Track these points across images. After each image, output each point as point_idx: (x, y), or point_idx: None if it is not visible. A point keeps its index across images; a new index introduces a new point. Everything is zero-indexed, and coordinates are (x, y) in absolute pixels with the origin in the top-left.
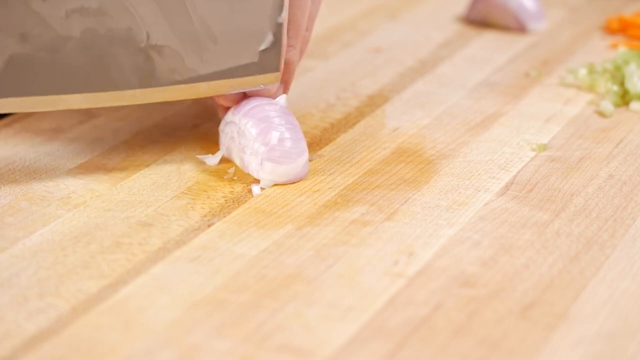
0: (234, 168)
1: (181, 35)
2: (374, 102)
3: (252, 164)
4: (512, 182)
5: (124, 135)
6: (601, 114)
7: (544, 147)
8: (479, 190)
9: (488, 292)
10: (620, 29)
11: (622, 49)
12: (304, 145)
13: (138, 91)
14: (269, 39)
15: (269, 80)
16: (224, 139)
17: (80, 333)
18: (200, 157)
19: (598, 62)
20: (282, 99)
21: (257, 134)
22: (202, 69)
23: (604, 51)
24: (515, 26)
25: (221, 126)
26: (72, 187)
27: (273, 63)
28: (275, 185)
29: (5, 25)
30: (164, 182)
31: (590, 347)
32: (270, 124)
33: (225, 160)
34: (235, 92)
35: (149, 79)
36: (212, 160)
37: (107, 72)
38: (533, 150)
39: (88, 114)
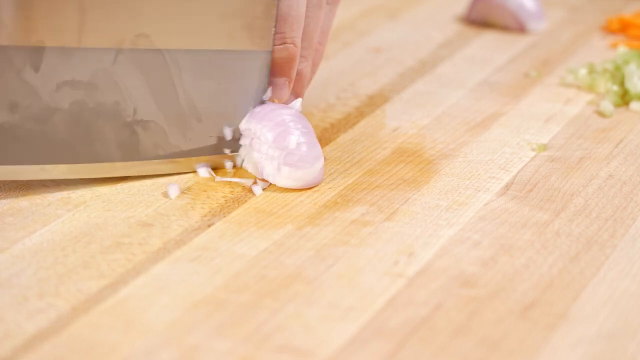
0: (234, 168)
1: (167, 113)
2: (374, 102)
3: (267, 169)
4: (512, 182)
5: None
6: (601, 114)
7: (544, 147)
8: (479, 190)
9: (488, 292)
10: (620, 29)
11: (622, 49)
12: (319, 149)
13: (119, 164)
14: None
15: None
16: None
17: (80, 333)
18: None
19: (598, 62)
20: (297, 102)
21: (274, 139)
22: (185, 145)
23: (604, 51)
24: (515, 26)
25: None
26: (72, 187)
27: None
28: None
29: None
30: (164, 182)
31: (590, 347)
32: (286, 128)
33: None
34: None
35: (132, 153)
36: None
37: (92, 145)
38: (533, 150)
39: None
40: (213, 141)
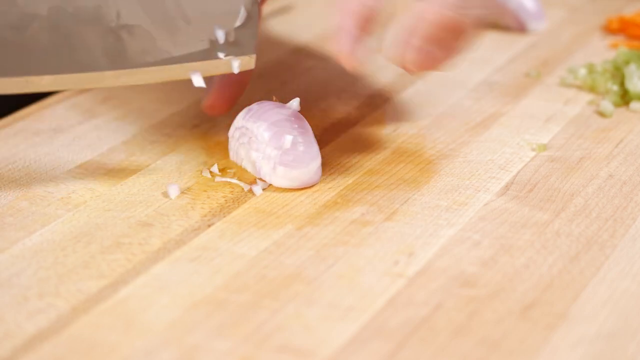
0: (234, 168)
1: (153, 15)
2: (374, 102)
3: (264, 168)
4: (512, 182)
5: (124, 135)
6: (601, 114)
7: (544, 147)
8: (479, 190)
9: (488, 292)
10: (620, 29)
11: (622, 49)
12: (316, 149)
13: (108, 73)
14: (242, 18)
15: (243, 63)
16: (232, 145)
17: (80, 333)
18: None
19: (598, 62)
20: (294, 102)
21: (270, 138)
22: (175, 51)
23: (604, 51)
24: (515, 26)
25: (230, 132)
26: (72, 187)
27: (247, 45)
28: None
29: None
30: (164, 182)
31: (590, 347)
32: (282, 128)
33: (225, 160)
34: (209, 75)
35: (119, 61)
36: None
37: (76, 53)
38: (533, 150)
39: (88, 114)
40: (205, 45)
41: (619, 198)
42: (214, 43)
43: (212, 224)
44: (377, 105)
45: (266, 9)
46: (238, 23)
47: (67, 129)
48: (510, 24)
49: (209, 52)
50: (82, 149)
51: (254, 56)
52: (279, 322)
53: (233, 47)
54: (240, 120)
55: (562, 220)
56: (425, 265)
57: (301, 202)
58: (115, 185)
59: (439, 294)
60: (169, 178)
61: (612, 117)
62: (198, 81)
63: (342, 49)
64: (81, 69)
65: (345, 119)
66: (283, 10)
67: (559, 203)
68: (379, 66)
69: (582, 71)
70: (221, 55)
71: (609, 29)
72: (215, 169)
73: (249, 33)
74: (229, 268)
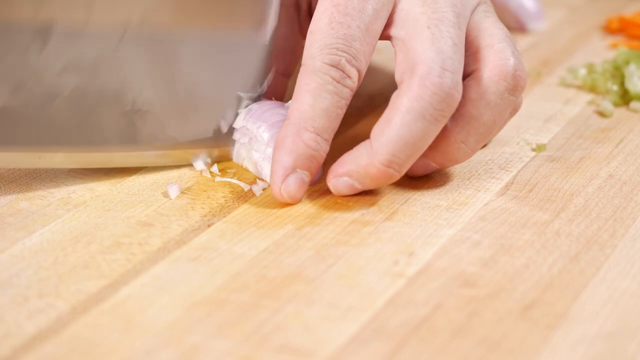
0: (234, 168)
1: (164, 102)
2: (374, 102)
3: (265, 169)
4: (512, 182)
5: None
6: (601, 114)
7: (544, 147)
8: (479, 190)
9: (488, 292)
10: (620, 29)
11: (622, 49)
12: None
13: (117, 155)
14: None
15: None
16: (233, 144)
17: (80, 333)
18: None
19: (598, 62)
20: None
21: (269, 139)
22: (181, 137)
23: (604, 51)
24: (515, 26)
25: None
26: (72, 187)
27: None
28: None
29: (1, 75)
30: (164, 182)
31: (590, 347)
32: None
33: (225, 161)
34: (203, 159)
35: (129, 143)
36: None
37: (90, 132)
38: (533, 150)
39: None
40: (209, 134)
41: (619, 198)
42: (217, 132)
43: (212, 224)
44: (377, 105)
45: None
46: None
47: None
48: (510, 24)
49: (212, 141)
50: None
51: None
52: (279, 322)
53: (232, 138)
54: (241, 120)
55: (562, 220)
56: (425, 265)
57: (301, 202)
58: (115, 185)
59: (439, 294)
60: (169, 178)
61: (612, 117)
62: (199, 166)
63: (274, 182)
64: (93, 148)
65: (345, 119)
66: None
67: (559, 203)
68: (379, 66)
69: (582, 71)
70: (224, 143)
71: (609, 29)
72: (215, 169)
73: None
74: (229, 268)
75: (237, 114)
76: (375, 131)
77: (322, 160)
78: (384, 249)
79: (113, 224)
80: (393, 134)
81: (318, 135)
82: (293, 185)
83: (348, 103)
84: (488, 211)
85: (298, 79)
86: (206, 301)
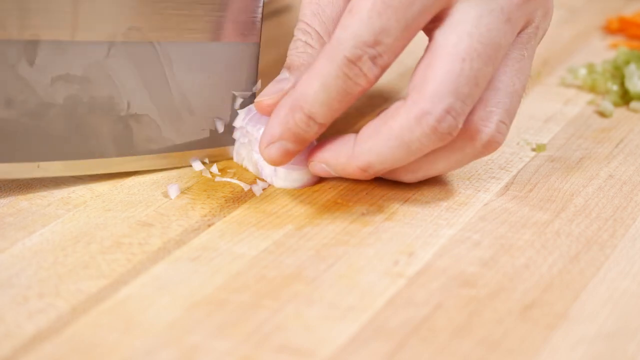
0: (234, 168)
1: (160, 106)
2: (374, 102)
3: (266, 170)
4: (512, 182)
5: None
6: (601, 114)
7: (544, 147)
8: (479, 190)
9: (488, 292)
10: (620, 29)
11: (622, 49)
12: None
13: (115, 160)
14: (239, 108)
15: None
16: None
17: (80, 333)
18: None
19: (598, 62)
20: None
21: None
22: (178, 139)
23: (604, 51)
24: None
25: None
26: (72, 187)
27: None
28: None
29: None
30: (164, 182)
31: (590, 347)
32: None
33: (225, 160)
34: (197, 161)
35: (126, 148)
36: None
37: (86, 140)
38: (533, 150)
39: None
40: (206, 134)
41: (619, 198)
42: (213, 132)
43: (212, 224)
44: (377, 105)
45: (265, 9)
46: (236, 111)
47: None
48: None
49: (209, 141)
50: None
51: None
52: (279, 322)
53: (231, 135)
54: (240, 121)
55: (562, 220)
56: (425, 265)
57: (301, 202)
58: (115, 185)
59: (439, 294)
60: (169, 178)
61: (612, 117)
62: (198, 166)
63: (260, 143)
64: (89, 155)
65: (345, 119)
66: (283, 10)
67: (559, 203)
68: None
69: (582, 71)
70: (220, 143)
71: (609, 29)
72: (215, 169)
73: None
74: (229, 268)
75: (233, 114)
76: (363, 135)
77: (310, 140)
78: (384, 249)
79: (113, 224)
80: (376, 148)
81: (311, 119)
82: (275, 152)
83: (357, 98)
84: (488, 211)
85: (320, 53)
86: (206, 301)
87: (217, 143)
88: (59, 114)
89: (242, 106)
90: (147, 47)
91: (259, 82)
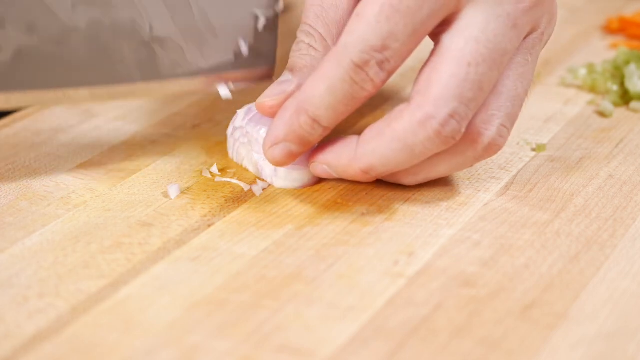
0: (234, 168)
1: (183, 28)
2: (374, 102)
3: (266, 170)
4: (512, 182)
5: (124, 135)
6: (601, 114)
7: (544, 147)
8: (479, 190)
9: (488, 292)
10: (620, 29)
11: (622, 49)
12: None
13: (140, 85)
14: (263, 29)
15: (261, 73)
16: (232, 144)
17: (80, 333)
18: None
19: (598, 62)
20: None
21: None
22: (202, 62)
23: (604, 51)
24: None
25: (229, 131)
26: (72, 187)
27: (267, 55)
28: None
29: (13, 16)
30: (164, 182)
31: (590, 347)
32: None
33: (225, 160)
34: (236, 86)
35: (151, 72)
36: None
37: (111, 66)
38: (533, 150)
39: (88, 114)
40: (230, 57)
41: (619, 198)
42: (238, 55)
43: (212, 224)
44: (377, 105)
45: None
46: (258, 33)
47: (67, 129)
48: None
49: (234, 64)
50: (82, 149)
51: (273, 67)
52: (279, 322)
53: (253, 57)
54: (240, 121)
55: (562, 220)
56: (425, 265)
57: (301, 202)
58: (115, 185)
59: (439, 294)
60: (169, 178)
61: (612, 117)
62: (225, 93)
63: (264, 144)
64: (115, 81)
65: (345, 119)
66: (284, 10)
67: (559, 203)
68: None
69: (582, 71)
70: (242, 65)
71: (609, 29)
72: (215, 169)
73: (269, 43)
74: (229, 268)
75: (257, 35)
76: (366, 137)
77: (314, 143)
78: (384, 249)
79: (113, 224)
80: (379, 151)
81: (316, 122)
82: (279, 153)
83: (363, 102)
84: (488, 211)
85: (326, 57)
86: (206, 301)
87: (241, 65)
88: (82, 39)
89: (266, 27)
90: None
91: (281, 2)
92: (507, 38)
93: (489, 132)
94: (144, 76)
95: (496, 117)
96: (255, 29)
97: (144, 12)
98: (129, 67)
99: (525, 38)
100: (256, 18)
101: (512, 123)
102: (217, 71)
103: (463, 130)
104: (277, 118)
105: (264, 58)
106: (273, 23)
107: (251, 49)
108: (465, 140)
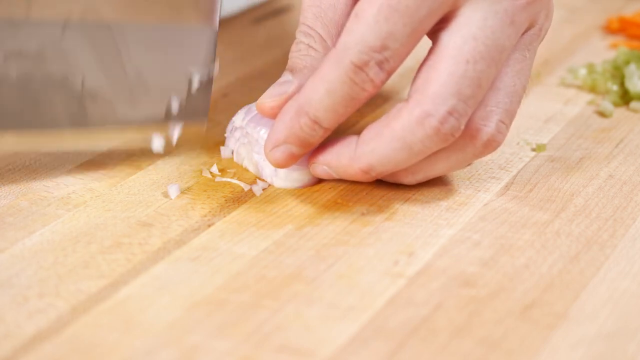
0: (234, 168)
1: (115, 84)
2: (374, 102)
3: (266, 170)
4: (512, 182)
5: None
6: (601, 114)
7: (544, 147)
8: (479, 190)
9: (488, 292)
10: (620, 29)
11: (622, 49)
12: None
13: (68, 137)
14: (197, 87)
15: (194, 128)
16: (231, 143)
17: (80, 333)
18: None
19: (598, 62)
20: None
21: None
22: (133, 116)
23: (604, 51)
24: None
25: (228, 129)
26: (72, 187)
27: (200, 112)
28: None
29: None
30: (164, 182)
31: (590, 347)
32: None
33: (225, 160)
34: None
35: (80, 125)
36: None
37: (40, 115)
38: (533, 150)
39: None
40: (160, 114)
41: (619, 198)
42: (168, 112)
43: (212, 224)
44: (377, 105)
45: (266, 8)
46: (193, 91)
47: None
48: None
49: (165, 119)
50: (82, 149)
51: (204, 123)
52: (279, 322)
53: (186, 113)
54: (239, 121)
55: (562, 220)
56: (425, 265)
57: (301, 202)
58: (115, 185)
59: (439, 294)
60: (169, 178)
61: (612, 117)
62: (157, 147)
63: (265, 146)
64: (44, 131)
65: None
66: (283, 10)
67: (559, 203)
68: None
69: (582, 71)
70: (175, 119)
71: (609, 29)
72: (215, 169)
73: (202, 100)
74: (229, 268)
75: (190, 94)
76: (365, 136)
77: (315, 144)
78: (384, 249)
79: (113, 224)
80: (378, 150)
81: (316, 123)
82: (280, 155)
83: (363, 103)
84: (488, 211)
85: (325, 58)
86: (206, 301)
87: (171, 123)
88: (12, 88)
89: (200, 89)
90: (104, 28)
91: (217, 63)
92: (505, 35)
93: (488, 128)
94: (72, 127)
95: (495, 113)
96: (189, 88)
97: (76, 68)
98: (57, 117)
99: (523, 34)
100: (191, 78)
101: (511, 119)
102: (147, 126)
103: (462, 127)
104: (278, 120)
105: (197, 116)
106: (208, 83)
107: (183, 107)
108: (464, 137)
